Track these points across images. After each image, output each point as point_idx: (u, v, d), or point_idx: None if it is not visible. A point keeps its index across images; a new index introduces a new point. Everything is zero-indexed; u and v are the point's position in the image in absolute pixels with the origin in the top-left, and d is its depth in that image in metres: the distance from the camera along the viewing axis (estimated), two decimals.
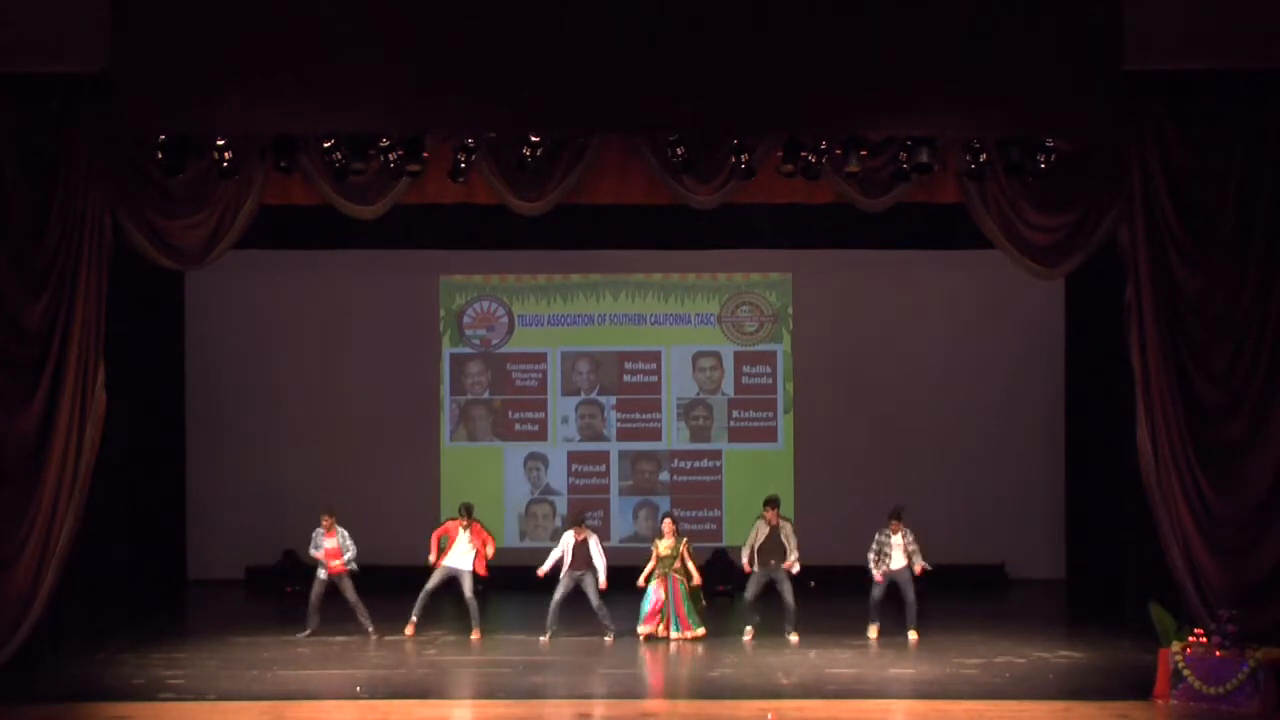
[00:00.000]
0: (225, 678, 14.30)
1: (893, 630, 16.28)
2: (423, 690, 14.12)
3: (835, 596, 16.48)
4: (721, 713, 13.14)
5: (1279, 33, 13.91)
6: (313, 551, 16.42)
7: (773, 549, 16.11)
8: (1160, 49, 13.89)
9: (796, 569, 16.09)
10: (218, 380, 20.33)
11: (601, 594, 16.08)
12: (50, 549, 14.01)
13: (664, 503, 20.36)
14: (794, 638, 16.01)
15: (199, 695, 13.61)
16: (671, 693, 14.30)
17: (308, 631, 16.29)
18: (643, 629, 16.14)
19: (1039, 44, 13.82)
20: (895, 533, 16.17)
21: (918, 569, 16.18)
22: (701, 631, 16.15)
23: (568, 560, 16.22)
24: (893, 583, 16.20)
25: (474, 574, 16.38)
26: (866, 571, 16.26)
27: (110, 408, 14.39)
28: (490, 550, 16.42)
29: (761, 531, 16.16)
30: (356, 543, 16.43)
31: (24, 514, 13.98)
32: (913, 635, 16.17)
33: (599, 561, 16.14)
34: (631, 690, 14.08)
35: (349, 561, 16.35)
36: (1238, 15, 13.92)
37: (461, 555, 16.35)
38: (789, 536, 16.12)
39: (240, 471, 20.20)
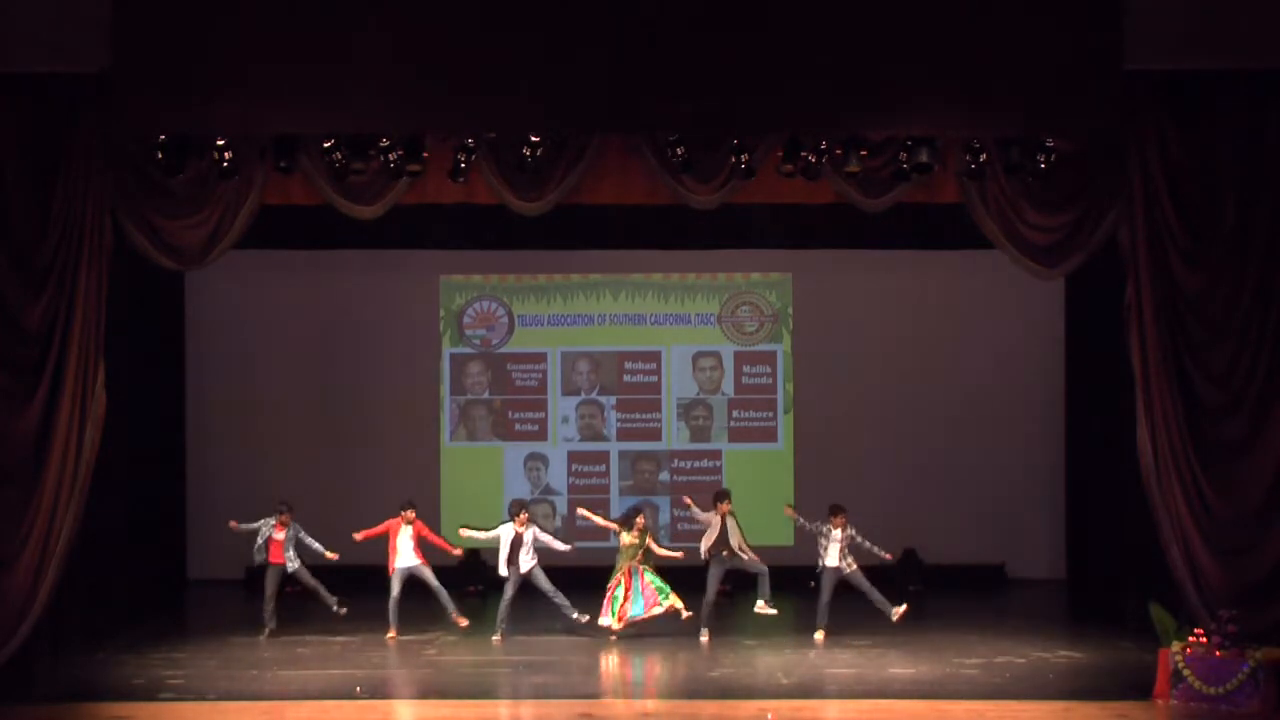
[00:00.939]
0: (225, 678, 14.30)
1: (887, 630, 16.24)
2: (423, 690, 14.13)
3: (834, 596, 16.43)
4: (721, 713, 13.15)
5: (1279, 33, 13.90)
6: (259, 541, 16.42)
7: (723, 543, 16.11)
8: (1160, 49, 13.88)
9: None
10: (218, 380, 20.34)
11: (551, 579, 16.14)
12: (50, 549, 13.99)
13: (664, 503, 20.38)
14: (766, 607, 15.97)
15: (199, 695, 13.61)
16: (671, 693, 14.29)
17: (267, 631, 16.27)
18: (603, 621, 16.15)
19: (1039, 44, 13.81)
20: (836, 527, 16.16)
21: (886, 554, 16.17)
22: (671, 603, 16.03)
23: (505, 554, 16.20)
24: (847, 584, 16.16)
25: (430, 566, 16.37)
26: (864, 571, 16.24)
27: (110, 408, 14.38)
28: (429, 537, 16.41)
29: (716, 525, 16.18)
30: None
31: (24, 514, 13.96)
32: (898, 610, 16.05)
33: (551, 545, 16.15)
34: (631, 690, 14.08)
35: (291, 559, 16.38)
36: (1238, 15, 13.91)
37: (408, 554, 16.34)
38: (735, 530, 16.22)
39: (240, 471, 20.18)
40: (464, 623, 16.25)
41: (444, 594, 16.33)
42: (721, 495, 16.42)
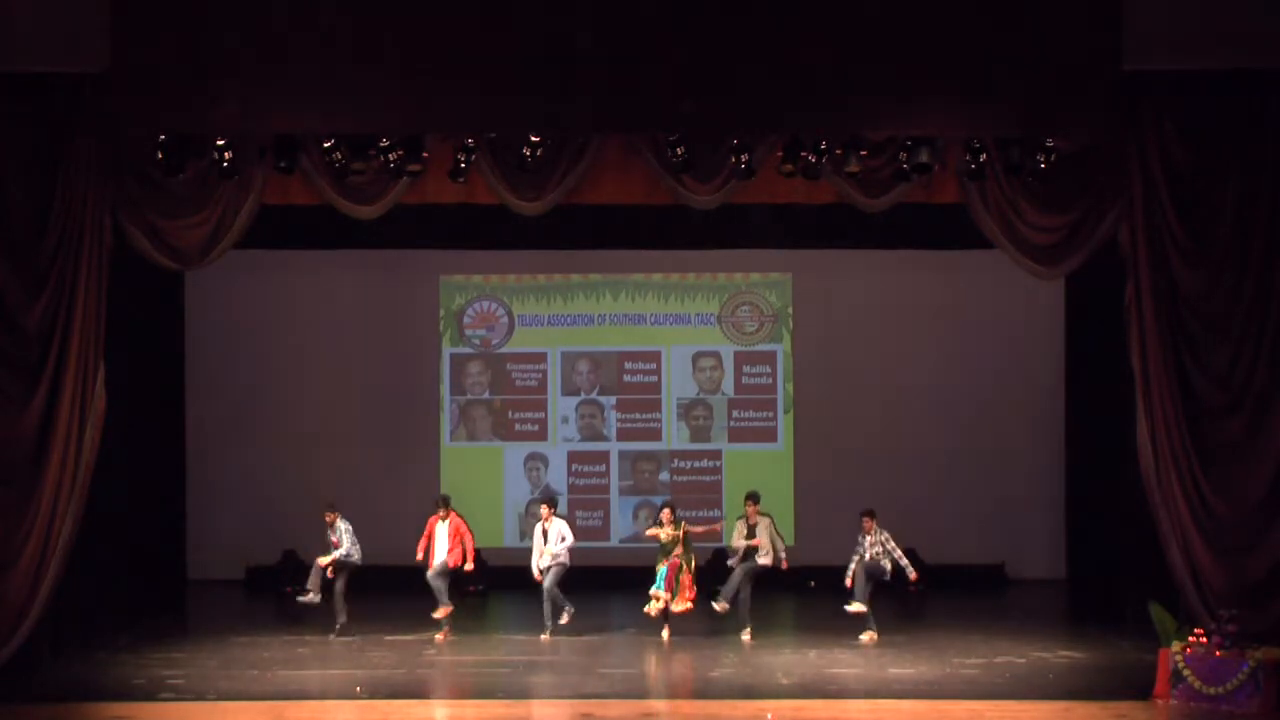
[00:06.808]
0: (225, 678, 14.30)
1: (887, 630, 16.22)
2: (423, 690, 14.13)
3: (835, 596, 16.44)
4: (721, 712, 13.15)
5: (1279, 33, 13.91)
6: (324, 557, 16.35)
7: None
8: (1160, 49, 13.89)
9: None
10: (218, 380, 20.33)
11: (559, 583, 16.16)
12: (50, 549, 14.01)
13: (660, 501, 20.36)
14: (722, 603, 16.11)
15: (199, 695, 13.61)
16: (671, 693, 14.30)
17: (337, 626, 16.23)
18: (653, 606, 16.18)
19: (1039, 44, 13.82)
20: (867, 532, 16.16)
21: (912, 574, 16.13)
22: (688, 607, 16.09)
23: (539, 550, 16.27)
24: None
25: (445, 565, 16.33)
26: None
27: (110, 408, 14.38)
28: (469, 543, 16.39)
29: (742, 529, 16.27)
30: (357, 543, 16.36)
31: (24, 514, 13.98)
32: (867, 635, 16.05)
33: (559, 544, 16.15)
34: (631, 690, 14.07)
35: (344, 554, 16.19)
36: (1238, 15, 13.92)
37: (441, 550, 16.32)
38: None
39: (240, 471, 20.20)
40: (441, 614, 16.22)
41: (434, 586, 16.27)
42: (755, 496, 16.42)
